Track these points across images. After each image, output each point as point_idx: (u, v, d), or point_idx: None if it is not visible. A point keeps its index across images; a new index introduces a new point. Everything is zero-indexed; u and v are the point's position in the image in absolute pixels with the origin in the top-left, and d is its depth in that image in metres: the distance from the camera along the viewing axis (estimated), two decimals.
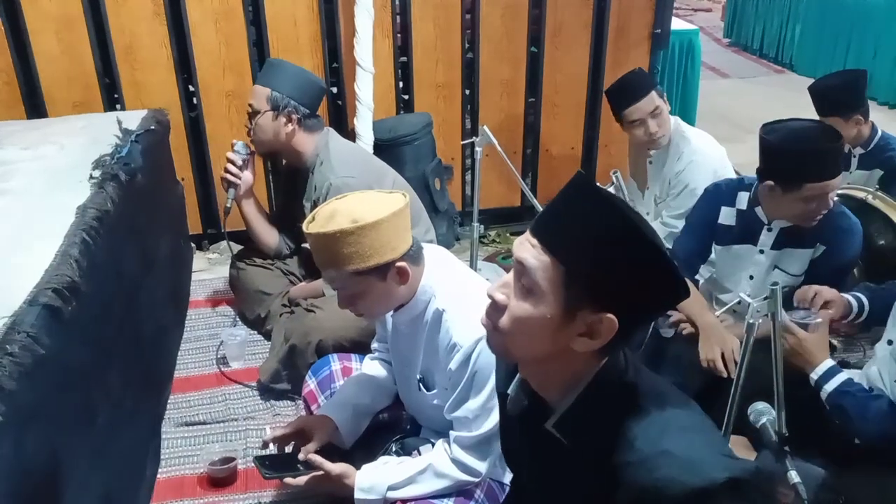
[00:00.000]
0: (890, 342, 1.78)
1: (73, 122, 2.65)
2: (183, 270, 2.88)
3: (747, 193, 2.18)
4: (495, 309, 1.04)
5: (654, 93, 2.65)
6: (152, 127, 2.49)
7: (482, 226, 2.52)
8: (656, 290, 0.98)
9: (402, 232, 1.56)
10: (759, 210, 2.13)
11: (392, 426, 1.96)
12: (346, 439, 1.85)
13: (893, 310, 1.83)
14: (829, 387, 1.78)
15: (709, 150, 2.72)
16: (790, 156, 1.96)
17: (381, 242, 1.52)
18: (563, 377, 1.05)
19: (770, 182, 2.01)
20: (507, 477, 1.73)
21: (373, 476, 1.67)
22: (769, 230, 2.13)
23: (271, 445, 1.84)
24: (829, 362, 1.80)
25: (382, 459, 1.74)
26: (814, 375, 1.79)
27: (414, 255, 1.60)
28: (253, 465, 2.03)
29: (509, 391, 1.14)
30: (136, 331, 2.00)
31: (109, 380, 1.72)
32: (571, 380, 1.05)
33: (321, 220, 1.54)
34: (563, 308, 0.97)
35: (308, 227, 1.55)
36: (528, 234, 1.01)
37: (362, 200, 1.58)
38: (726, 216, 2.22)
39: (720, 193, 2.26)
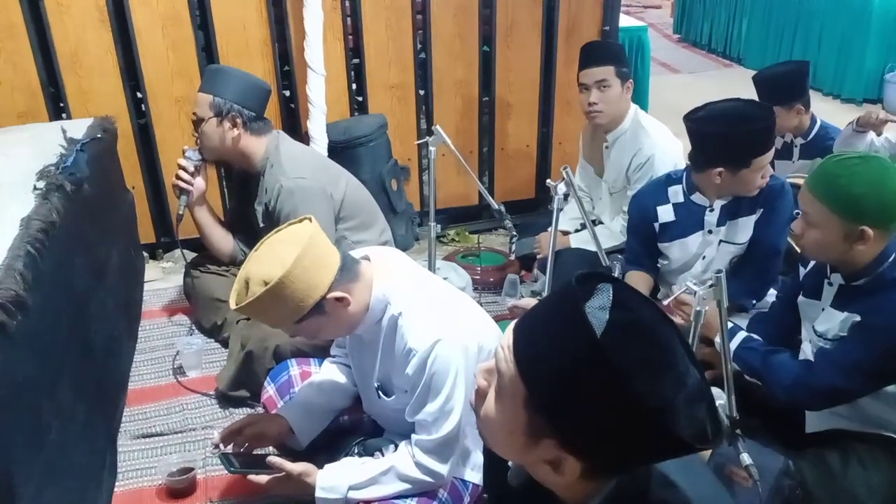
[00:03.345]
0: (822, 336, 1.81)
1: (16, 132, 2.59)
2: (134, 281, 2.82)
3: (679, 186, 2.29)
4: (478, 394, 0.92)
5: (612, 68, 2.65)
6: (99, 135, 2.45)
7: (439, 225, 2.52)
8: (642, 448, 0.81)
9: (318, 265, 1.52)
10: (696, 197, 2.25)
11: (354, 429, 1.96)
12: (300, 438, 1.84)
13: (802, 316, 1.89)
14: (732, 346, 1.83)
15: (668, 143, 2.75)
16: (738, 139, 2.08)
17: (301, 290, 1.49)
18: (557, 488, 0.90)
19: (719, 168, 2.12)
20: (469, 474, 1.75)
21: (334, 475, 1.67)
22: (711, 210, 2.24)
23: (221, 445, 1.83)
24: (728, 323, 1.81)
25: (345, 460, 1.74)
26: (717, 339, 1.82)
27: (344, 274, 1.56)
28: (212, 474, 2.01)
29: (509, 463, 0.99)
30: (86, 343, 1.96)
31: (60, 394, 1.68)
32: (572, 493, 0.89)
33: (240, 292, 1.53)
34: (525, 429, 0.84)
35: (232, 303, 1.55)
36: (511, 329, 0.86)
37: (271, 251, 1.54)
38: (664, 214, 2.32)
39: (650, 195, 2.37)
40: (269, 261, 1.50)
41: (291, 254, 1.48)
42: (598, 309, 0.80)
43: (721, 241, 2.26)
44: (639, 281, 2.36)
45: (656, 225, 2.32)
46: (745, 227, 2.23)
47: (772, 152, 2.12)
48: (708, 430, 0.82)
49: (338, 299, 1.55)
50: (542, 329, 0.82)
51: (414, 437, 1.65)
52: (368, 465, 1.69)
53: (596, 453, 0.82)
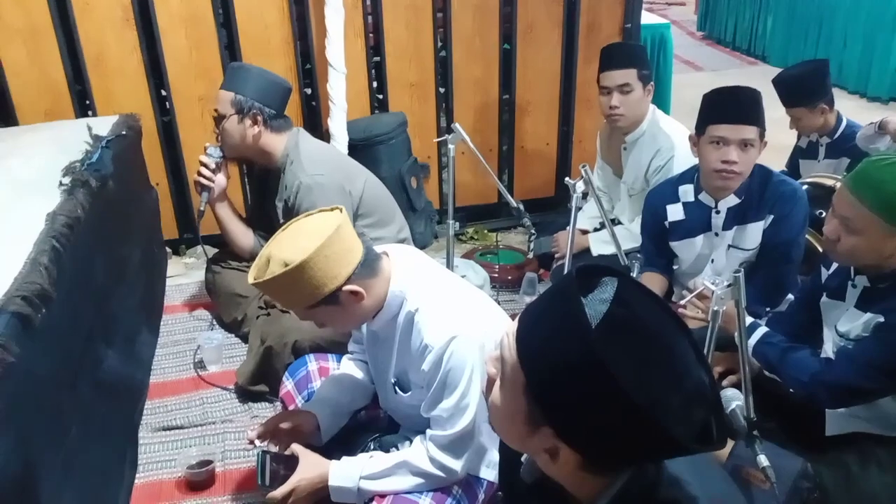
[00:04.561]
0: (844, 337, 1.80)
1: (43, 129, 2.64)
2: (156, 276, 2.86)
3: (690, 185, 2.27)
4: (488, 382, 0.94)
5: (634, 71, 2.62)
6: (123, 132, 2.49)
7: (458, 223, 2.53)
8: (634, 444, 0.80)
9: (339, 257, 1.52)
10: (703, 196, 2.24)
11: (370, 425, 1.97)
12: (323, 435, 1.85)
13: (824, 317, 1.86)
14: (752, 341, 1.83)
15: (686, 143, 2.72)
16: (703, 102, 2.11)
17: (318, 277, 1.50)
18: (563, 480, 0.91)
19: (691, 134, 2.17)
20: (484, 472, 1.75)
21: (347, 465, 1.69)
22: (717, 212, 2.21)
23: (257, 442, 1.83)
24: (748, 319, 1.83)
25: (360, 455, 1.75)
26: (737, 334, 1.79)
27: (364, 269, 1.57)
28: (230, 467, 2.04)
29: (522, 459, 1.00)
30: (107, 337, 2.00)
31: (81, 387, 1.72)
32: (580, 488, 0.90)
33: (259, 268, 1.54)
34: (525, 416, 0.86)
35: (250, 277, 1.56)
36: (518, 318, 0.89)
37: (297, 234, 1.55)
38: (674, 213, 2.30)
39: (660, 194, 2.36)
40: (292, 244, 1.52)
41: (315, 241, 1.49)
42: (599, 301, 0.82)
43: (730, 245, 2.23)
44: (653, 282, 2.35)
45: (666, 223, 2.31)
46: (753, 234, 2.19)
47: (731, 131, 2.02)
48: (712, 433, 0.81)
49: (353, 293, 1.55)
50: (540, 318, 0.85)
51: (429, 432, 1.65)
52: (382, 458, 1.70)
53: (588, 445, 0.83)
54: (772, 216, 2.16)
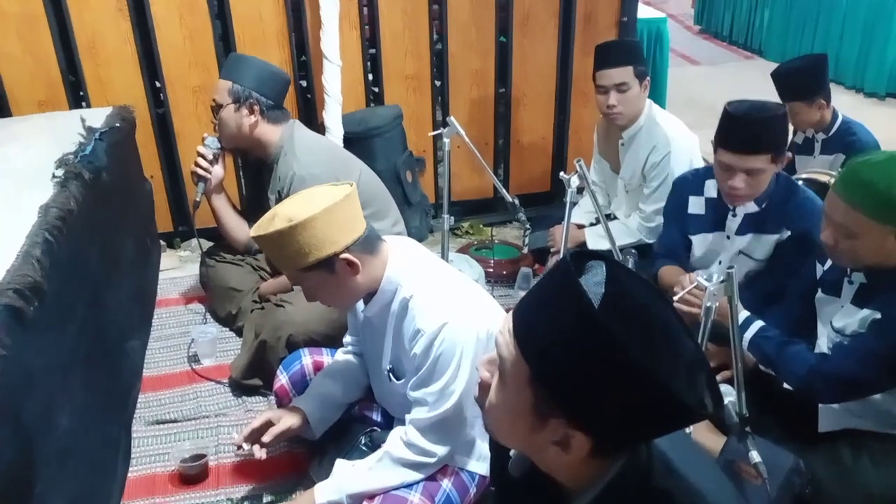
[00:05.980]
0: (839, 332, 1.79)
1: (36, 120, 2.63)
2: (150, 269, 2.85)
3: (714, 181, 2.20)
4: (481, 387, 0.94)
5: (630, 68, 2.60)
6: (117, 124, 2.48)
7: (453, 217, 2.52)
8: (647, 417, 0.81)
9: (343, 224, 1.56)
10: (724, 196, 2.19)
11: (363, 419, 1.97)
12: (315, 430, 1.86)
13: (819, 312, 1.86)
14: (748, 335, 1.84)
15: (684, 139, 2.71)
16: (721, 115, 2.03)
17: (318, 238, 1.53)
18: (562, 472, 0.91)
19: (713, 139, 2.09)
20: (474, 465, 1.75)
21: (331, 484, 1.70)
22: (734, 216, 2.18)
23: (245, 446, 1.83)
24: (744, 314, 1.85)
25: (338, 467, 1.74)
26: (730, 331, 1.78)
27: (364, 244, 1.60)
28: (224, 461, 2.04)
29: (511, 453, 1.00)
30: (100, 330, 1.99)
31: (74, 380, 1.71)
32: (576, 478, 0.90)
33: (264, 222, 1.57)
34: (531, 410, 0.85)
35: (253, 231, 1.58)
36: (510, 315, 0.88)
37: (307, 197, 1.59)
38: (695, 205, 2.27)
39: (687, 183, 2.32)
40: (299, 205, 1.55)
41: (322, 204, 1.52)
42: (594, 284, 0.82)
43: (741, 251, 2.18)
44: (673, 275, 2.25)
45: (686, 215, 2.28)
46: (766, 245, 2.13)
47: (737, 158, 1.98)
48: (708, 400, 0.82)
49: (349, 263, 1.57)
50: (540, 306, 0.84)
51: (409, 417, 1.66)
52: (363, 462, 1.71)
53: (602, 425, 0.82)
54: (789, 232, 2.08)
